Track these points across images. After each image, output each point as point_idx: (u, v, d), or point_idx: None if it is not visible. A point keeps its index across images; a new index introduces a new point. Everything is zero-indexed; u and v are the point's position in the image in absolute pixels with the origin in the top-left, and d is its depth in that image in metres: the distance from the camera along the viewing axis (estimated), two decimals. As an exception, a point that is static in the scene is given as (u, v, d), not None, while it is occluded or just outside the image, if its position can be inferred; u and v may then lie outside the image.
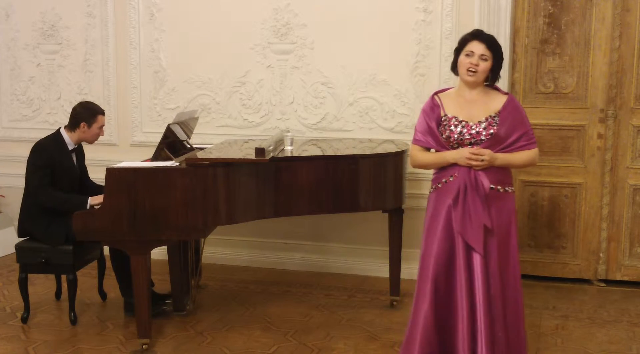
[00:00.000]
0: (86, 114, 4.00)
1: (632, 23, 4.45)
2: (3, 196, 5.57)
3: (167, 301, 4.12)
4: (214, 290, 4.58)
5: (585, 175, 4.64)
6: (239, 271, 4.97)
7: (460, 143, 2.90)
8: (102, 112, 4.08)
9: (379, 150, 4.17)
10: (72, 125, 4.01)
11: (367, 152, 4.12)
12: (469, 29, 4.42)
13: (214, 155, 3.84)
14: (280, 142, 4.05)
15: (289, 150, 3.99)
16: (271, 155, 3.63)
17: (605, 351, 3.61)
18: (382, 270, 4.57)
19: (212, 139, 4.74)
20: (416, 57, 4.63)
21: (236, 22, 4.96)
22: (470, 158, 2.84)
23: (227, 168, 3.49)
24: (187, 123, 4.18)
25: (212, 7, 5.01)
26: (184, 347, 3.65)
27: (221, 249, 5.11)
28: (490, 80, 2.98)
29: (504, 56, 4.35)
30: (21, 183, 4.01)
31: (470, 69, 2.90)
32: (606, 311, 4.19)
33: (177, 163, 3.57)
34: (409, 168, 4.11)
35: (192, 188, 3.44)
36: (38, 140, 4.03)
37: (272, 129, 4.93)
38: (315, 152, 4.22)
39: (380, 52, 4.69)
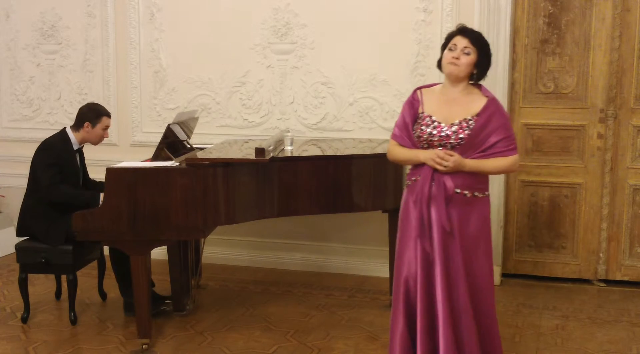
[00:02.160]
0: (91, 114, 4.02)
1: (632, 23, 4.45)
2: (3, 196, 5.57)
3: (167, 301, 4.12)
4: (214, 289, 4.58)
5: (585, 175, 4.64)
6: (239, 271, 4.97)
7: (430, 144, 2.84)
8: (108, 114, 4.09)
9: (379, 150, 4.17)
10: (77, 125, 4.03)
11: (367, 151, 4.12)
12: (469, 29, 4.49)
13: (214, 155, 3.83)
14: (280, 142, 4.05)
15: (289, 150, 3.99)
16: (271, 155, 3.63)
17: (605, 351, 3.61)
18: (382, 270, 4.58)
19: (212, 139, 4.74)
20: (416, 57, 4.63)
21: (236, 22, 4.96)
22: (434, 159, 2.77)
23: (227, 168, 3.49)
24: (187, 123, 4.18)
25: (212, 7, 5.01)
26: (184, 347, 3.65)
27: (221, 249, 5.11)
28: (476, 77, 2.89)
29: (505, 56, 4.47)
30: (21, 183, 4.01)
31: (452, 62, 2.83)
32: (606, 311, 4.19)
33: (177, 163, 3.56)
34: (409, 168, 4.11)
35: (192, 188, 3.44)
36: (44, 139, 4.03)
37: (272, 129, 4.93)
38: (315, 152, 4.22)
39: (380, 52, 4.69)
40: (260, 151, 3.52)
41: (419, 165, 2.87)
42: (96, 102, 4.46)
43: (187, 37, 5.10)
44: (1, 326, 3.92)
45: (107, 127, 4.08)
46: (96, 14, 5.29)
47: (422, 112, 2.89)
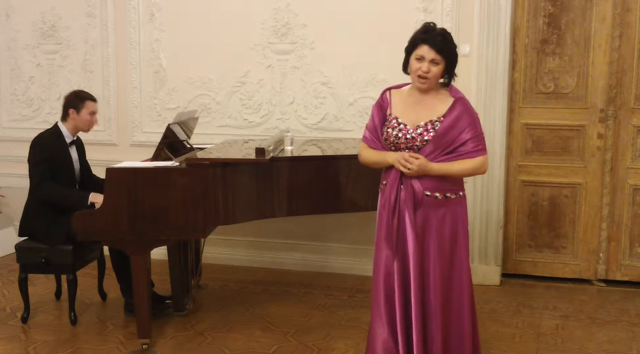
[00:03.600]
0: (74, 100, 3.99)
1: (632, 23, 4.45)
2: (3, 197, 5.57)
3: (167, 301, 4.12)
4: (214, 290, 4.58)
5: (585, 175, 4.64)
6: (239, 271, 4.97)
7: (396, 147, 2.83)
8: (92, 98, 4.03)
9: (379, 150, 4.17)
10: (64, 115, 4.01)
11: (367, 152, 4.11)
12: (468, 29, 4.50)
13: (214, 155, 3.84)
14: (280, 142, 4.05)
15: (289, 150, 3.99)
16: (271, 155, 3.63)
17: (605, 351, 3.61)
18: (382, 270, 4.56)
19: (212, 139, 4.74)
20: (416, 57, 4.62)
21: (236, 22, 4.96)
22: (400, 162, 2.76)
23: (227, 168, 3.49)
24: (187, 123, 4.18)
25: (212, 7, 5.01)
26: (184, 347, 3.65)
27: (221, 249, 5.11)
28: (446, 80, 2.87)
29: (505, 56, 4.47)
30: (21, 183, 4.02)
31: (421, 76, 2.80)
32: (606, 311, 4.19)
33: (177, 163, 3.57)
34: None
35: (192, 188, 3.44)
36: (37, 134, 4.00)
37: (272, 129, 4.93)
38: (315, 152, 4.22)
39: (380, 52, 4.69)
40: (260, 151, 3.52)
41: (388, 168, 2.86)
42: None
43: (187, 37, 5.10)
44: (1, 326, 3.92)
45: (93, 112, 4.01)
46: (96, 14, 5.29)
47: (390, 114, 2.89)
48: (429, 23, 2.89)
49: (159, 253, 4.17)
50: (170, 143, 3.90)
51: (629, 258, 4.64)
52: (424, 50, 2.79)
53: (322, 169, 3.77)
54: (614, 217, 4.63)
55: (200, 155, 3.88)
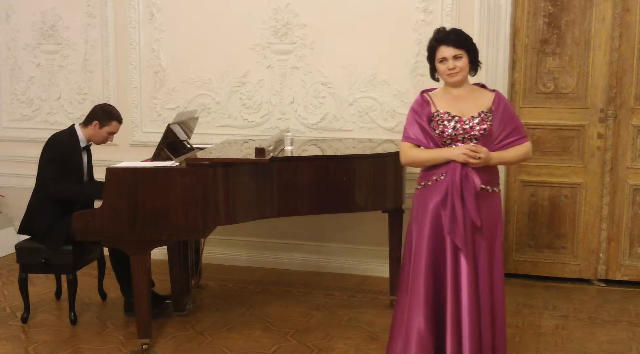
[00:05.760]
0: (102, 115, 4.03)
1: (632, 23, 4.45)
2: (3, 197, 5.57)
3: (167, 301, 4.12)
4: (214, 290, 4.58)
5: (585, 175, 4.64)
6: (239, 271, 4.97)
7: (453, 139, 2.85)
8: (119, 120, 4.09)
9: (379, 150, 4.17)
10: (86, 121, 4.05)
11: (367, 152, 4.11)
12: (468, 29, 4.44)
13: (214, 155, 3.83)
14: (280, 142, 4.05)
15: (289, 150, 3.99)
16: (271, 155, 3.63)
17: (605, 351, 3.61)
18: (382, 270, 4.57)
19: (212, 139, 4.74)
20: (416, 57, 4.63)
21: (236, 22, 4.96)
22: (467, 154, 2.78)
23: (227, 168, 3.49)
24: (187, 123, 4.18)
25: (212, 7, 5.01)
26: (184, 347, 3.65)
27: (221, 249, 5.11)
28: (472, 71, 2.96)
29: (505, 56, 4.49)
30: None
31: (451, 74, 2.89)
32: (606, 311, 4.19)
33: (177, 163, 3.57)
34: (408, 168, 4.11)
35: (192, 188, 3.44)
36: (53, 134, 4.04)
37: (272, 129, 4.93)
38: (315, 152, 4.22)
39: (380, 52, 4.69)
40: (260, 151, 3.52)
41: (438, 165, 2.88)
42: (110, 104, 4.38)
43: (187, 37, 5.10)
44: (1, 326, 3.92)
45: (113, 133, 4.09)
46: (96, 14, 5.29)
47: (437, 111, 2.91)
48: (438, 28, 2.99)
49: (159, 253, 4.17)
50: (170, 143, 3.90)
51: (629, 258, 4.64)
52: (443, 51, 2.89)
53: (322, 169, 3.77)
54: (614, 217, 4.63)
55: (200, 155, 3.88)
